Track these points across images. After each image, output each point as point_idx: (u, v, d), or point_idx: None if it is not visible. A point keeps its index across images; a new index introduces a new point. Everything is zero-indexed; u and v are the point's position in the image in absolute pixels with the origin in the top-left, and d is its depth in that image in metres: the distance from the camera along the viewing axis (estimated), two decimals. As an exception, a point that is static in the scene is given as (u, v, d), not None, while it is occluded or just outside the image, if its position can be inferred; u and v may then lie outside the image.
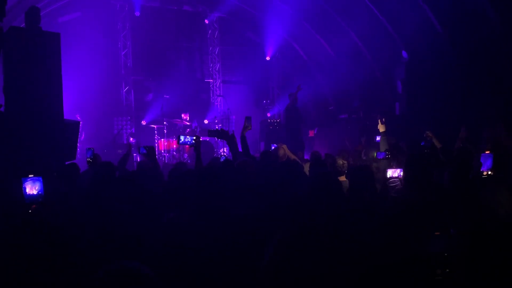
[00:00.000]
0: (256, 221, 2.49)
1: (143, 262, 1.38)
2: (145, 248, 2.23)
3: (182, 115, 11.34)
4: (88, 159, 5.14)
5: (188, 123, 11.14)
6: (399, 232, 2.17)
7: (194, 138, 4.38)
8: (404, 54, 10.18)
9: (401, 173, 4.27)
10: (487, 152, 4.48)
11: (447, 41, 8.98)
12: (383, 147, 5.32)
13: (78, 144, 6.89)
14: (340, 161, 4.82)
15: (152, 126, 11.37)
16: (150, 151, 4.49)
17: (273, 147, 7.41)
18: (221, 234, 2.30)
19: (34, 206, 3.14)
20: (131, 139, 10.96)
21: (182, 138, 4.55)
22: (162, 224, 2.31)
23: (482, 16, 8.02)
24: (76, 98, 10.08)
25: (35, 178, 3.17)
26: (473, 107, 8.44)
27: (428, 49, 9.44)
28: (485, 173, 4.38)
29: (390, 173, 4.36)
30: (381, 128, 5.60)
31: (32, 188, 3.19)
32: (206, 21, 13.72)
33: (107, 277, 1.32)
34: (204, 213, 2.50)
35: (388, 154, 5.09)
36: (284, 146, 5.91)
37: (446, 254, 1.93)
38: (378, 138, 6.59)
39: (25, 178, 3.14)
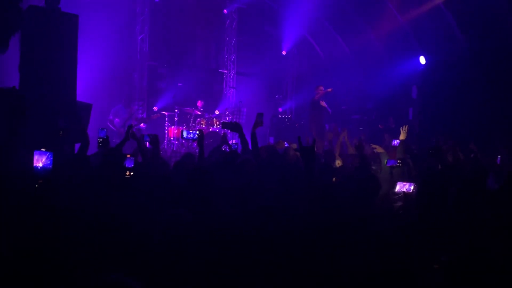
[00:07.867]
0: (245, 224, 2.44)
1: (138, 264, 1.38)
2: (142, 248, 2.22)
3: (198, 103, 11.34)
4: (99, 139, 4.95)
5: (199, 112, 11.14)
6: (395, 255, 2.08)
7: (198, 133, 4.42)
8: (422, 59, 10.06)
9: (411, 188, 4.04)
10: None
11: (467, 48, 8.85)
12: (400, 155, 5.15)
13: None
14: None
15: (164, 112, 11.40)
16: (153, 140, 4.44)
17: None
18: (212, 234, 2.28)
19: (40, 181, 3.10)
20: (142, 124, 10.96)
21: (185, 133, 4.66)
22: (160, 221, 2.30)
23: (503, 23, 7.91)
24: (89, 80, 10.10)
25: (45, 152, 3.15)
26: (487, 118, 8.33)
27: (447, 56, 9.31)
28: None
29: (399, 187, 4.13)
30: (402, 135, 5.44)
31: (38, 160, 3.15)
32: (225, 11, 13.65)
33: None
34: (197, 212, 2.48)
35: (399, 163, 4.87)
36: (293, 145, 5.83)
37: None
38: (395, 142, 6.42)
39: (37, 150, 3.14)
